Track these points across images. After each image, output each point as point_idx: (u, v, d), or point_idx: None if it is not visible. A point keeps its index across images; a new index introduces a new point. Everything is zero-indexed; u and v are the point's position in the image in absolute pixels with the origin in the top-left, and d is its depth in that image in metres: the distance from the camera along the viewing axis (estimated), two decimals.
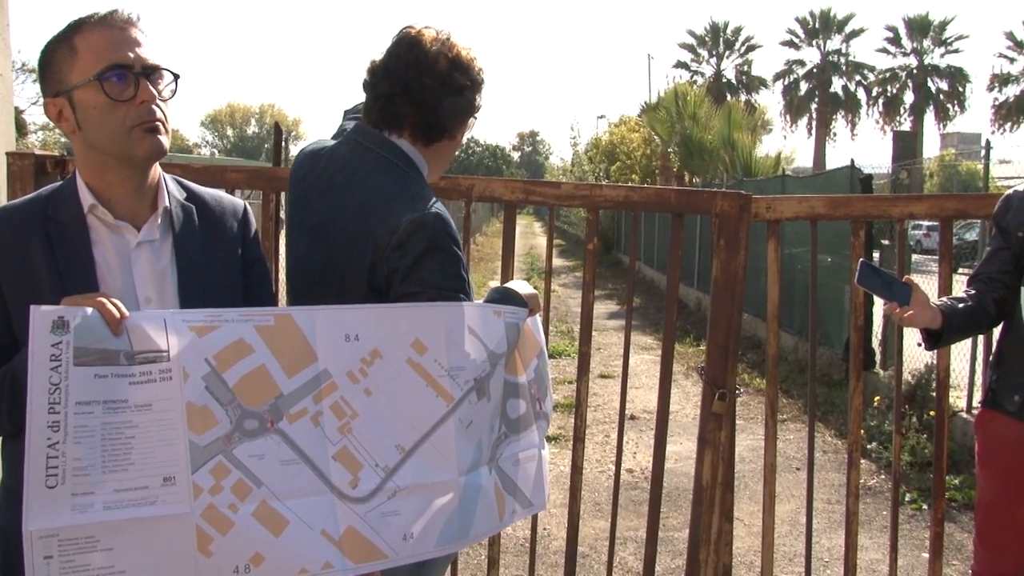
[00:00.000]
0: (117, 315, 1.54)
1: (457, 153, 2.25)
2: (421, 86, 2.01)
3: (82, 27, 1.71)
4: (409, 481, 1.71)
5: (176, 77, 1.78)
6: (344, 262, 1.98)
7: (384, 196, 1.97)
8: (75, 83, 1.69)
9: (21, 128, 19.03)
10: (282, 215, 3.45)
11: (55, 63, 1.71)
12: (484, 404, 1.82)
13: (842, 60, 53.86)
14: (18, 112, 19.33)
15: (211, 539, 1.54)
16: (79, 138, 1.74)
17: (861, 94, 54.09)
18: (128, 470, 1.51)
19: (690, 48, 56.37)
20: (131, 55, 1.70)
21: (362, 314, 1.73)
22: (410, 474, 1.71)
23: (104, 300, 1.54)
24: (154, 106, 1.73)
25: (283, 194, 3.28)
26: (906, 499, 5.59)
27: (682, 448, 6.48)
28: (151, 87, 1.72)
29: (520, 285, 2.06)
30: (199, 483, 1.55)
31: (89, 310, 1.52)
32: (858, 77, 54.00)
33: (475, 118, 2.12)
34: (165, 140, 1.75)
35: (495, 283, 2.38)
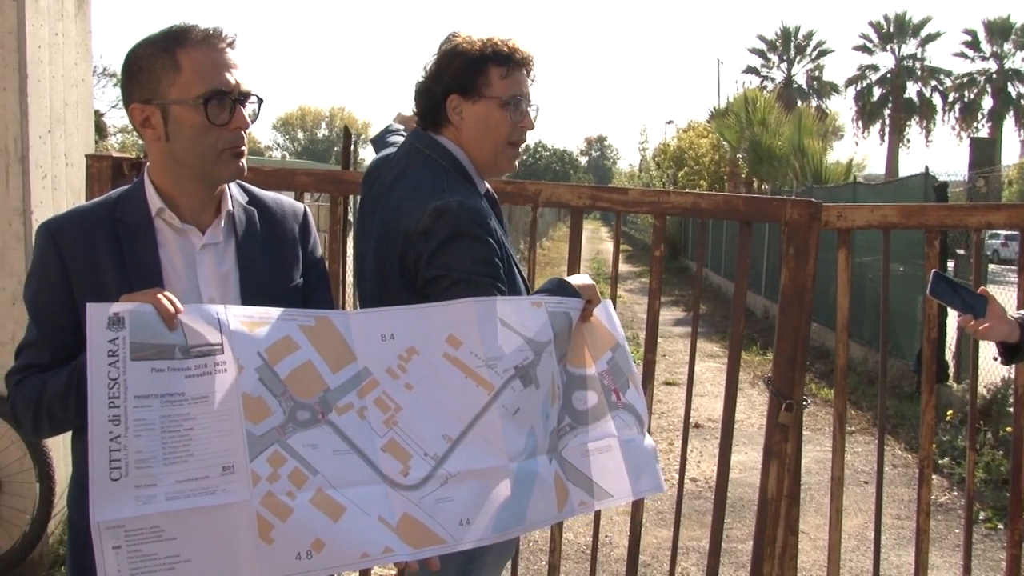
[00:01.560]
0: (172, 310, 1.57)
1: (524, 158, 2.27)
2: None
3: (186, 42, 1.72)
4: (460, 468, 1.74)
5: (260, 101, 1.82)
6: (384, 254, 2.08)
7: (417, 189, 2.07)
8: (175, 98, 1.71)
9: (101, 131, 19.62)
10: (350, 217, 3.51)
11: (152, 71, 1.72)
12: (532, 391, 1.85)
13: (917, 65, 52.52)
14: (99, 115, 19.94)
15: (272, 526, 1.57)
16: (162, 147, 1.76)
17: (937, 99, 52.66)
18: (188, 461, 1.54)
19: (760, 53, 55.67)
20: (232, 81, 1.74)
21: (395, 315, 1.80)
22: (460, 461, 1.75)
23: (159, 296, 1.58)
24: (243, 132, 1.77)
25: (351, 197, 3.34)
26: (980, 517, 5.43)
27: (747, 458, 6.39)
28: (244, 114, 1.76)
29: (578, 277, 2.09)
30: (257, 471, 1.58)
31: (145, 306, 1.56)
32: (934, 82, 52.60)
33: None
34: (246, 163, 1.82)
35: None
